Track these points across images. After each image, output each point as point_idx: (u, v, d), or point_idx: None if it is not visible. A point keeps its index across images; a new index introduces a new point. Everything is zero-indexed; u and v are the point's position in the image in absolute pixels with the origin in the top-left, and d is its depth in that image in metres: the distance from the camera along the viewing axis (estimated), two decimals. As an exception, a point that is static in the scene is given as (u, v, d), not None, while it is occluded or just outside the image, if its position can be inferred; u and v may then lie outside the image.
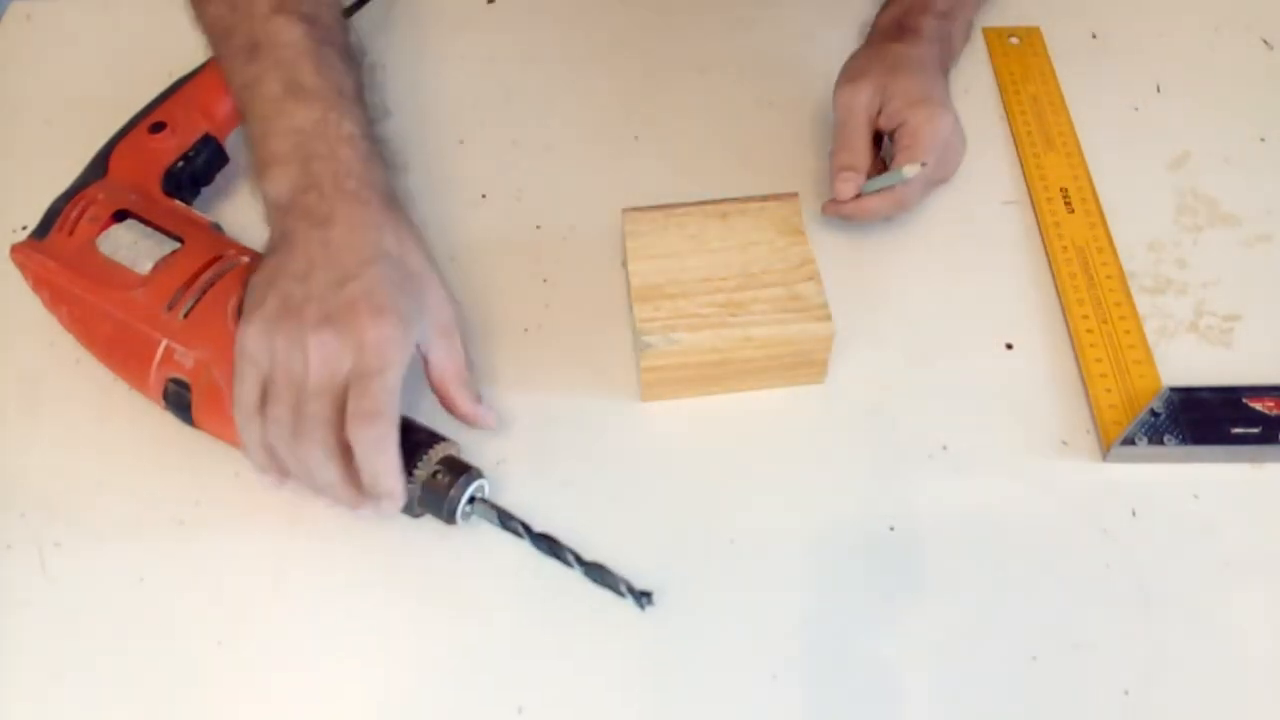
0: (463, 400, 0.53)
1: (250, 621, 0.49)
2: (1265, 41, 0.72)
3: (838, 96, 0.62)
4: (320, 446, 0.47)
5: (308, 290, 0.48)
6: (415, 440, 0.50)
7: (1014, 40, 0.72)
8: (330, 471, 0.47)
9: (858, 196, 0.60)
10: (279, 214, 0.51)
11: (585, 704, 0.47)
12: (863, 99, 0.61)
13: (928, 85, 0.61)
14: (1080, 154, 0.65)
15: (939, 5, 0.66)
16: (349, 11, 0.72)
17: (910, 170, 0.58)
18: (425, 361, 0.52)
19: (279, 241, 0.50)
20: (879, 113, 0.61)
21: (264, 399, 0.48)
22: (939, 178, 0.62)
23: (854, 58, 0.64)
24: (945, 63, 0.65)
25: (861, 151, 0.61)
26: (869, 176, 0.60)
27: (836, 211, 0.61)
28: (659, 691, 0.47)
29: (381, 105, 0.56)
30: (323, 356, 0.47)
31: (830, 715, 0.46)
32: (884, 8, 0.68)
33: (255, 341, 0.48)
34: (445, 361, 0.52)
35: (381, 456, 0.47)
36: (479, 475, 0.50)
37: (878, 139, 0.62)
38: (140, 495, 0.53)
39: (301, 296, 0.48)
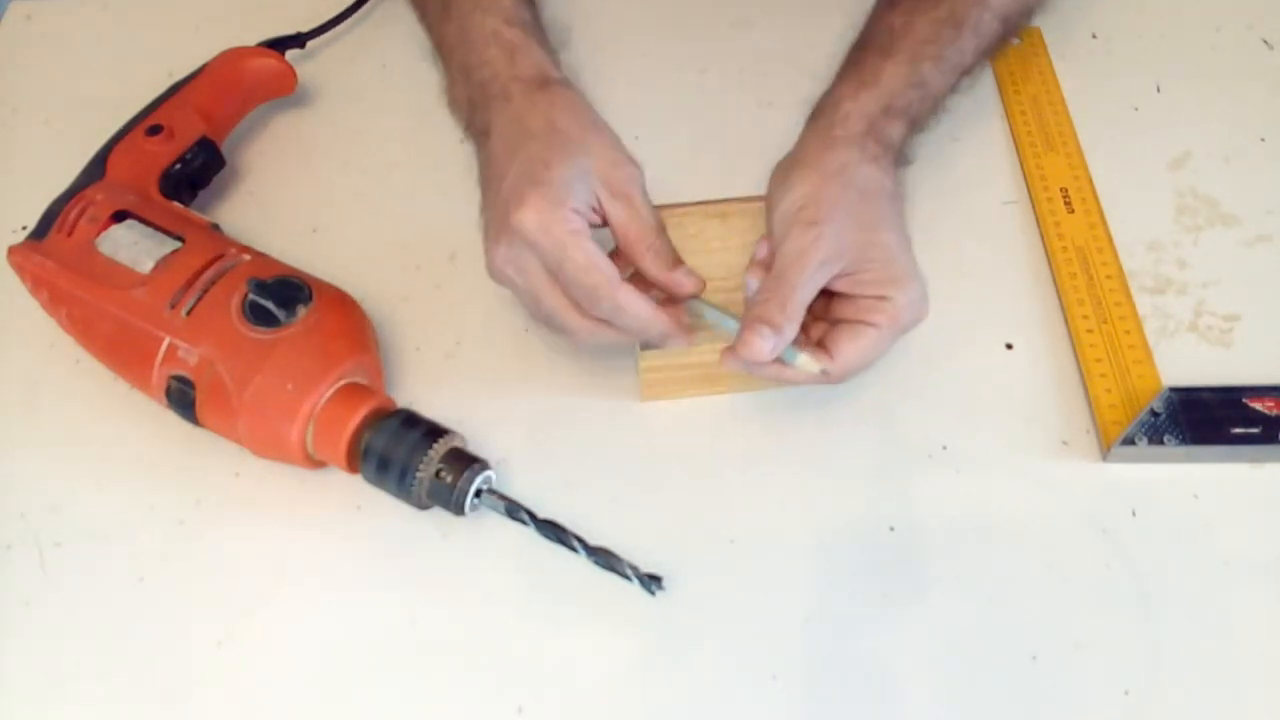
0: (651, 265, 0.50)
1: (250, 622, 0.49)
2: (1265, 41, 0.72)
3: (790, 234, 0.50)
4: (576, 331, 0.50)
5: (488, 215, 0.51)
6: (420, 434, 0.50)
7: (1014, 40, 0.72)
8: (606, 335, 0.50)
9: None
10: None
11: (585, 704, 0.47)
12: (823, 251, 0.49)
13: (902, 241, 0.51)
14: (1080, 154, 0.65)
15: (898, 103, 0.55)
16: (348, 11, 0.72)
17: (816, 367, 0.49)
18: (611, 229, 0.51)
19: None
20: (839, 273, 0.49)
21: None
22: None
23: (796, 169, 0.52)
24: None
25: (797, 310, 0.48)
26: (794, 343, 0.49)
27: (735, 363, 0.49)
28: (659, 691, 0.47)
29: None
30: (515, 270, 0.49)
31: (830, 715, 0.46)
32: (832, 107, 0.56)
33: (491, 270, 0.51)
34: (625, 226, 0.50)
35: (626, 317, 0.48)
36: (486, 466, 0.50)
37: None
38: (140, 495, 0.53)
39: (486, 222, 0.51)
